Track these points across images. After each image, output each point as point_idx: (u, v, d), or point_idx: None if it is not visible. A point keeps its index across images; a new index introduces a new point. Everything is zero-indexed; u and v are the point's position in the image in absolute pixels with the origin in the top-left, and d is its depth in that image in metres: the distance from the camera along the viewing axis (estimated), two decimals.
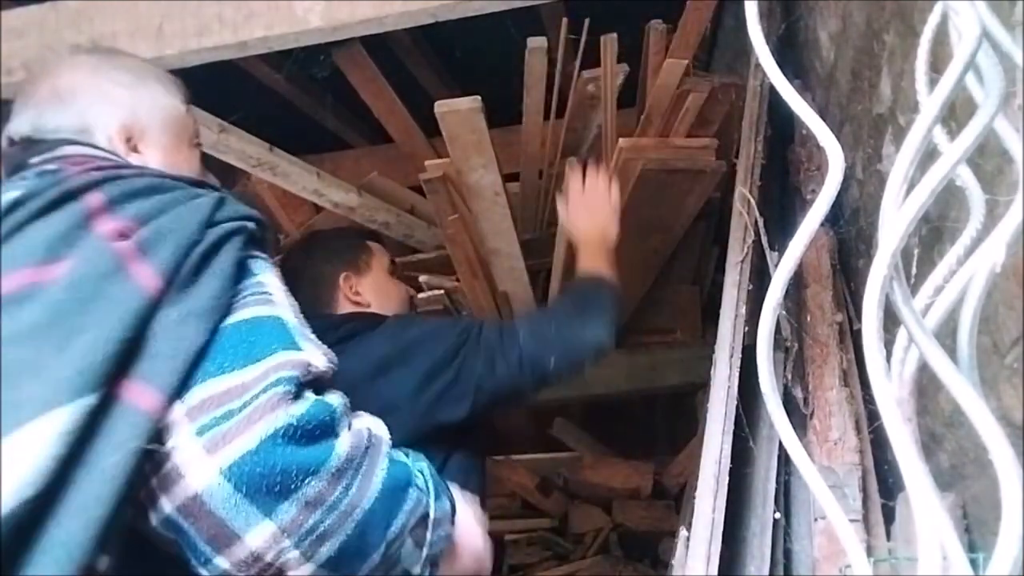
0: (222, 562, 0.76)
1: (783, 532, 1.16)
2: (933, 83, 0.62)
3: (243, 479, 0.75)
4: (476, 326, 1.53)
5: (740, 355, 1.24)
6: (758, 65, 1.61)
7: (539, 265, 2.60)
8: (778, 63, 0.70)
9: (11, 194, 0.87)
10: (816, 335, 1.30)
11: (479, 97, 1.94)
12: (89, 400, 0.72)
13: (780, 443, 1.16)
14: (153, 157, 1.10)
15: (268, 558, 0.76)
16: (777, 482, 1.19)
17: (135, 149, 1.09)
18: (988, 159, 0.79)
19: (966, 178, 0.70)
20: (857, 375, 1.26)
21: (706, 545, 1.06)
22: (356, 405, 1.45)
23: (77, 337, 0.75)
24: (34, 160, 0.99)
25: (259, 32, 1.60)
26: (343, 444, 0.82)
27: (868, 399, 1.19)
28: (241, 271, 0.89)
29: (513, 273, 2.29)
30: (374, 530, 0.83)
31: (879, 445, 1.16)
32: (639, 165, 1.98)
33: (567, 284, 1.69)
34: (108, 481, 0.71)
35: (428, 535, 0.91)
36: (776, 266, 0.74)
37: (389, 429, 1.42)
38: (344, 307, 1.65)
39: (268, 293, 0.89)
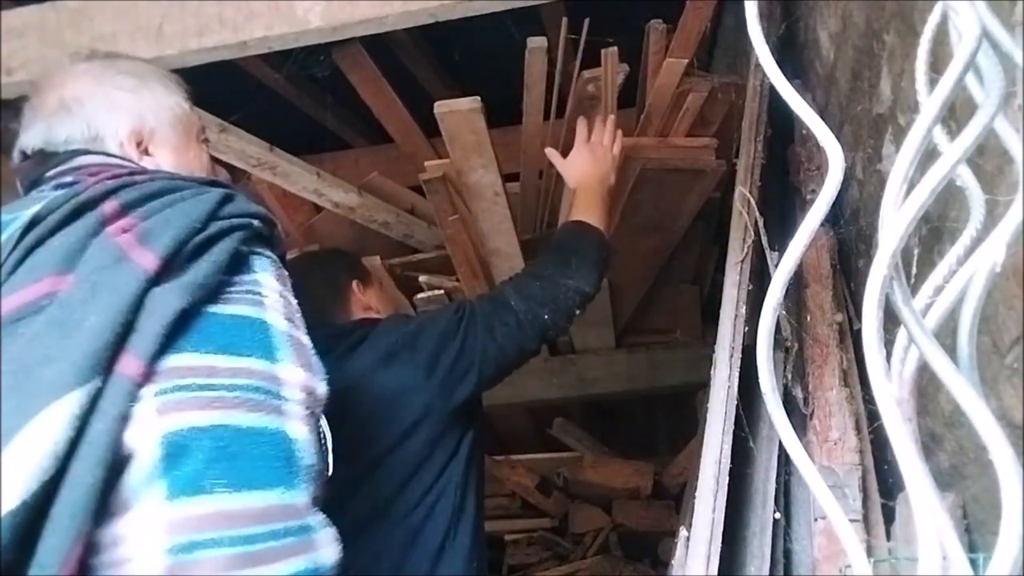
0: (114, 527, 0.74)
1: (783, 532, 1.16)
2: (933, 83, 0.62)
3: (173, 449, 0.75)
4: (469, 303, 1.61)
5: (740, 355, 1.24)
6: (758, 65, 1.61)
7: None
8: (778, 63, 0.70)
9: (31, 210, 0.88)
10: (816, 335, 1.30)
11: (479, 97, 1.94)
12: (96, 383, 0.75)
13: (780, 443, 1.16)
14: (165, 158, 1.12)
15: (124, 551, 0.74)
16: (777, 482, 1.19)
17: (146, 152, 1.11)
18: (988, 159, 0.79)
19: (966, 178, 0.70)
20: (857, 375, 1.26)
21: (706, 545, 1.06)
22: (370, 392, 1.47)
23: (83, 324, 0.78)
24: (50, 174, 1.01)
25: (259, 32, 1.60)
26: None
27: (868, 399, 1.19)
28: (238, 264, 0.89)
29: (513, 273, 2.29)
30: None
31: (879, 445, 1.16)
32: (639, 165, 1.98)
33: (552, 234, 1.75)
34: (96, 447, 0.73)
35: None
36: (776, 266, 0.74)
37: (408, 411, 1.47)
38: (356, 314, 1.71)
39: (260, 294, 0.89)
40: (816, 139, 0.66)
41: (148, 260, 0.83)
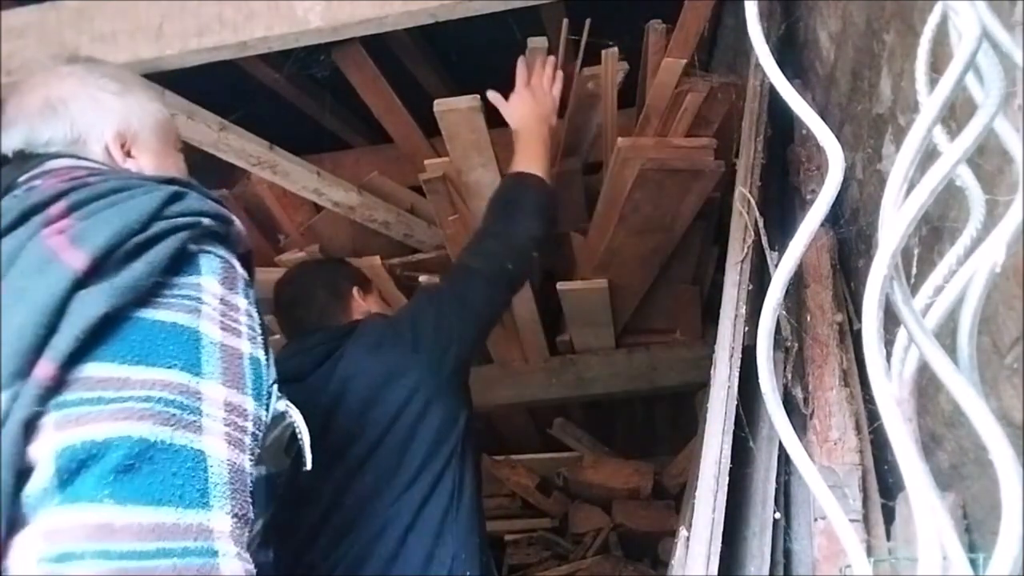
0: (14, 540, 0.73)
1: (783, 532, 1.16)
2: (933, 83, 0.62)
3: (68, 463, 0.73)
4: (436, 284, 1.82)
5: (740, 355, 1.24)
6: (758, 65, 1.60)
7: (539, 265, 2.60)
8: (778, 63, 0.70)
9: None
10: (816, 335, 1.30)
11: (479, 96, 1.94)
12: (19, 387, 0.74)
13: (780, 443, 1.16)
14: (147, 161, 1.11)
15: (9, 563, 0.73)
16: (777, 482, 1.19)
17: (129, 154, 1.10)
18: (988, 159, 0.79)
19: (966, 178, 0.70)
20: (857, 375, 1.26)
21: (706, 545, 1.06)
22: (361, 380, 1.54)
23: (9, 326, 0.77)
24: (22, 179, 0.99)
25: (259, 32, 1.59)
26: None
27: (868, 399, 1.19)
28: (183, 265, 0.87)
29: None
30: None
31: (879, 445, 1.16)
32: (638, 165, 1.98)
33: (495, 192, 1.85)
34: (5, 453, 0.73)
35: None
36: (776, 266, 0.74)
37: (401, 388, 1.55)
38: (356, 317, 1.77)
39: (199, 300, 0.86)
40: (816, 139, 0.66)
41: (78, 261, 0.81)
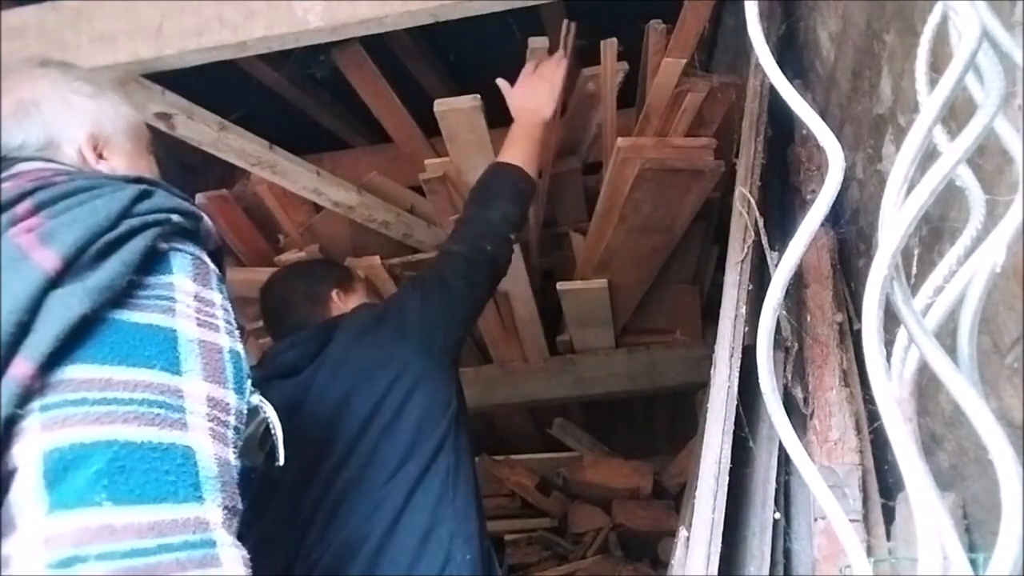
0: (2, 547, 0.73)
1: (783, 532, 1.16)
2: (933, 83, 0.62)
3: (56, 465, 0.73)
4: (422, 273, 1.81)
5: (740, 355, 1.24)
6: (758, 65, 1.61)
7: (539, 265, 2.60)
8: (778, 63, 0.70)
9: None
10: (816, 335, 1.30)
11: (479, 96, 1.94)
12: None
13: (780, 443, 1.16)
14: (119, 164, 1.11)
15: (9, 571, 0.73)
16: (777, 482, 1.19)
17: (101, 156, 1.10)
18: (988, 159, 0.79)
19: (966, 178, 0.70)
20: (857, 375, 1.26)
21: (706, 545, 1.06)
22: (348, 368, 1.56)
23: None
24: None
25: (259, 32, 1.59)
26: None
27: (868, 399, 1.19)
28: (154, 264, 0.86)
29: (513, 273, 2.29)
30: None
31: (879, 445, 1.16)
32: (638, 164, 1.98)
33: (476, 182, 1.89)
34: None
35: None
36: (776, 266, 0.74)
37: (388, 371, 1.57)
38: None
39: (172, 299, 0.86)
40: (816, 139, 0.66)
41: (49, 260, 0.80)
